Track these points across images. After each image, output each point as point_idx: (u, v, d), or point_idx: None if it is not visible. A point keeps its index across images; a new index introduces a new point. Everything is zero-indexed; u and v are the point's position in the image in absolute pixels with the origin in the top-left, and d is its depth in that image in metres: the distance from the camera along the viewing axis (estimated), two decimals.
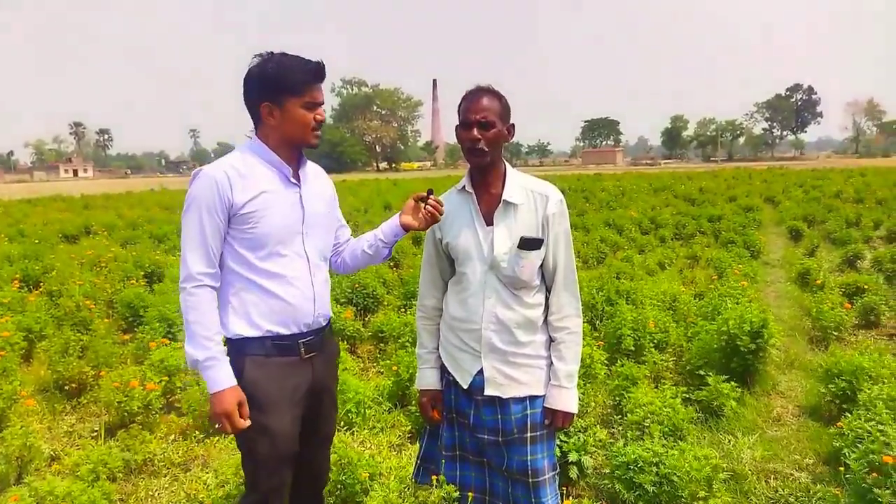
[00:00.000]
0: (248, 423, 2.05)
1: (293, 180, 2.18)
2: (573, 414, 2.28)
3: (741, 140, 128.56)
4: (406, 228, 2.26)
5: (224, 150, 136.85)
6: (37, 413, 4.50)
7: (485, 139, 2.15)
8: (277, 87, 2.07)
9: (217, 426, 2.05)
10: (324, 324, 2.28)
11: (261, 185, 2.10)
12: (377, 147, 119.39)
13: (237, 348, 2.12)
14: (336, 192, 2.45)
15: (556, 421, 2.27)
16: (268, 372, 2.11)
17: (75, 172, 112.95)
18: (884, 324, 6.51)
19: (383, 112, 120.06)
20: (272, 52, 2.11)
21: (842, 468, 3.26)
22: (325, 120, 2.20)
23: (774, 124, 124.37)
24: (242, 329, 2.11)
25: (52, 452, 3.92)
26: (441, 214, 2.21)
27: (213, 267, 2.08)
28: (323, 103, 2.17)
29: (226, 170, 2.07)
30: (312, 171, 2.31)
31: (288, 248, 2.14)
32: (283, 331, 2.14)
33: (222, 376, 2.02)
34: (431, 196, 2.20)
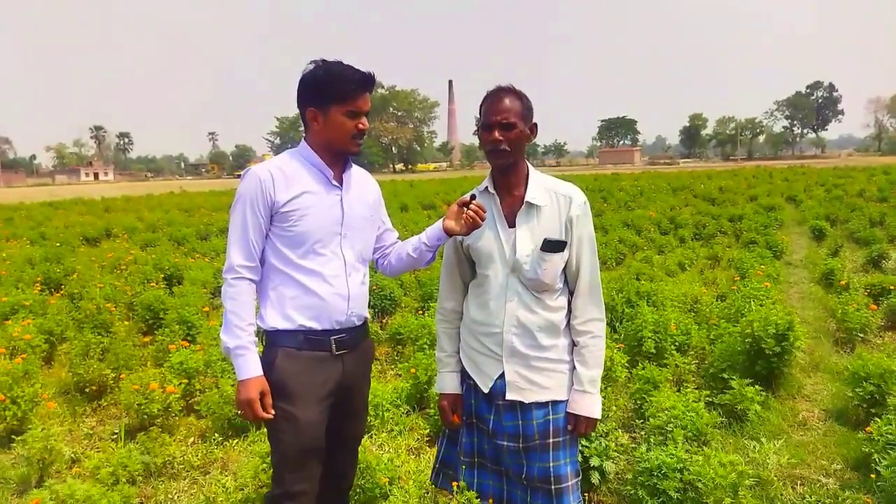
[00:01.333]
0: (270, 413, 2.14)
1: (335, 183, 2.25)
2: (596, 420, 2.24)
3: (761, 138, 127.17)
4: (449, 233, 2.26)
5: (242, 152, 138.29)
6: (58, 415, 4.53)
7: (507, 140, 2.12)
8: (323, 93, 2.16)
9: (240, 412, 2.16)
10: (357, 323, 2.34)
11: (303, 185, 2.19)
12: (393, 148, 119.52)
13: (271, 340, 2.22)
14: (382, 197, 2.51)
15: (578, 427, 2.23)
16: (298, 364, 2.19)
17: (96, 176, 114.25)
18: None
19: (400, 113, 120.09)
20: (325, 60, 2.18)
21: (872, 475, 3.19)
22: (367, 128, 2.25)
23: (795, 122, 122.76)
24: (277, 322, 2.20)
25: (72, 455, 3.94)
26: (483, 220, 2.17)
27: (254, 261, 2.19)
28: (367, 112, 2.22)
29: (271, 170, 2.18)
30: (357, 175, 2.38)
31: (326, 247, 2.22)
32: (316, 326, 2.21)
33: (250, 365, 2.12)
34: (474, 201, 2.19)
